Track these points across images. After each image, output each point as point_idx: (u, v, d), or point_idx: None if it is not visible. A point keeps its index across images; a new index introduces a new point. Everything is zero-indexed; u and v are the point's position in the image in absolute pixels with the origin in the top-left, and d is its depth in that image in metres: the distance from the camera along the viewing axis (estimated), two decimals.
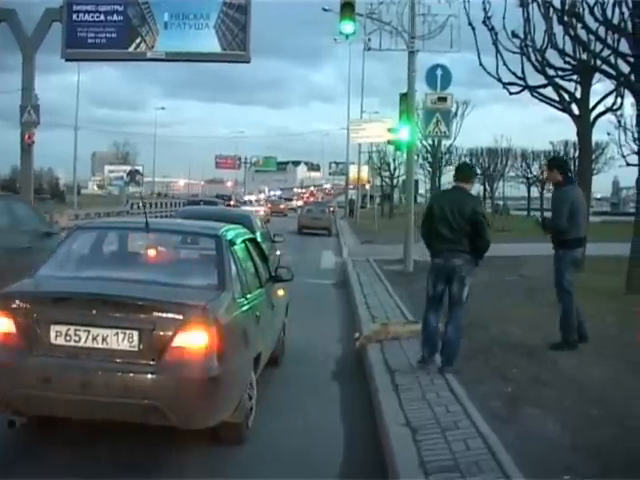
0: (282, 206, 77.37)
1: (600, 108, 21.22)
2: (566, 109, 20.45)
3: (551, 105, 20.86)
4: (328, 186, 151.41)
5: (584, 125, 20.08)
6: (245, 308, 7.16)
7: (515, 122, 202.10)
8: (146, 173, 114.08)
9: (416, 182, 35.85)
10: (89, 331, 6.02)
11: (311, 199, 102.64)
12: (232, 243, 7.60)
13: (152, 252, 7.68)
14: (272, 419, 7.59)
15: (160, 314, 6.06)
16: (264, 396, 8.09)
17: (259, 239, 14.00)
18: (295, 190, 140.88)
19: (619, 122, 39.97)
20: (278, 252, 17.50)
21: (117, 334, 6.01)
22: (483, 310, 13.27)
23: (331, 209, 62.16)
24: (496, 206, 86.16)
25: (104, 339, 6.01)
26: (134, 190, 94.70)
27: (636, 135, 50.65)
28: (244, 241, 8.33)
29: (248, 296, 7.41)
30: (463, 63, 30.42)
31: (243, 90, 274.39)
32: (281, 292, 9.93)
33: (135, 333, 6.00)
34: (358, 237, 39.17)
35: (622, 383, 8.30)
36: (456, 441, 6.37)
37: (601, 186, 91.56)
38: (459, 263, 8.75)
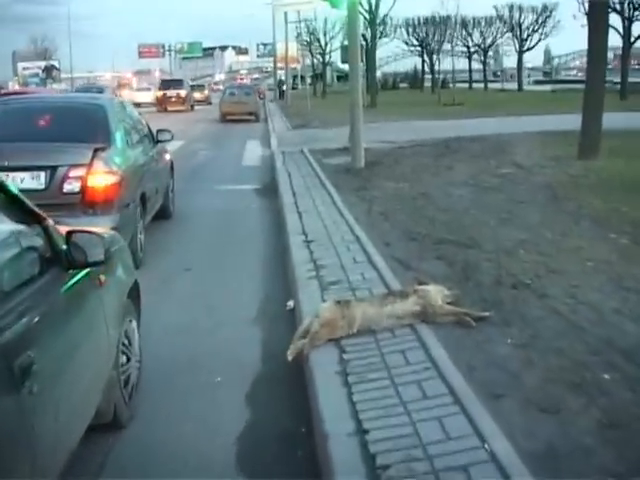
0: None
1: None
2: None
3: None
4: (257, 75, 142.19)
5: None
6: None
7: None
8: (66, 68, 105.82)
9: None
10: None
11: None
12: None
13: None
14: None
15: None
16: None
17: (118, 143, 8.45)
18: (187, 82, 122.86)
19: None
20: (168, 156, 11.77)
21: None
22: (509, 243, 7.74)
23: (259, 90, 55.59)
24: (436, 80, 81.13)
25: None
26: (57, 87, 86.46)
27: None
28: None
29: None
30: None
31: None
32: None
33: None
34: (290, 121, 33.08)
35: None
36: None
37: (531, 55, 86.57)
38: None
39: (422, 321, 5.40)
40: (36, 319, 3.05)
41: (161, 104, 50.09)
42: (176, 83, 53.85)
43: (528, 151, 16.08)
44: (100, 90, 38.17)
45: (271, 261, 8.70)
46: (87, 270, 3.71)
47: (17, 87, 79.97)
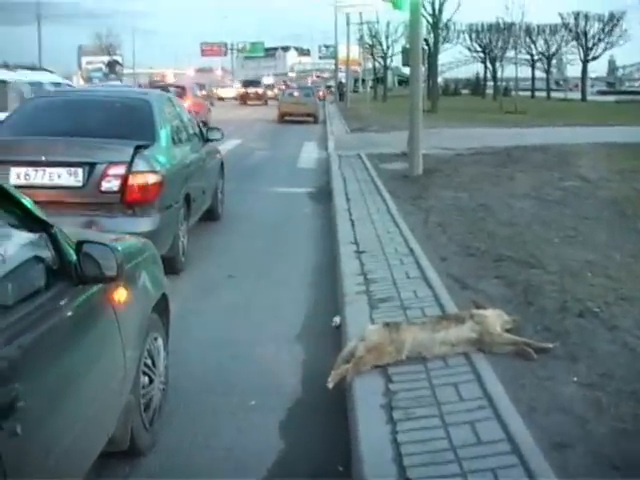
0: None
1: None
2: None
3: None
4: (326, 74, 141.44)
5: None
6: None
7: None
8: (128, 64, 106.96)
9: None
10: None
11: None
12: None
13: None
14: None
15: None
16: None
17: (163, 141, 8.07)
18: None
19: None
20: (218, 156, 11.38)
21: None
22: (575, 264, 7.18)
23: (320, 92, 55.40)
24: (497, 87, 79.99)
25: None
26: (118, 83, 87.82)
27: None
28: None
29: None
30: None
31: None
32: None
33: None
34: (348, 124, 32.61)
35: None
36: None
37: (594, 65, 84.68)
38: None
39: (478, 349, 4.90)
40: (29, 344, 2.63)
41: (242, 99, 64.02)
42: (255, 83, 69.96)
43: (593, 163, 15.38)
44: (202, 86, 47.01)
45: (320, 271, 8.24)
46: (100, 285, 3.28)
47: (82, 81, 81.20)
